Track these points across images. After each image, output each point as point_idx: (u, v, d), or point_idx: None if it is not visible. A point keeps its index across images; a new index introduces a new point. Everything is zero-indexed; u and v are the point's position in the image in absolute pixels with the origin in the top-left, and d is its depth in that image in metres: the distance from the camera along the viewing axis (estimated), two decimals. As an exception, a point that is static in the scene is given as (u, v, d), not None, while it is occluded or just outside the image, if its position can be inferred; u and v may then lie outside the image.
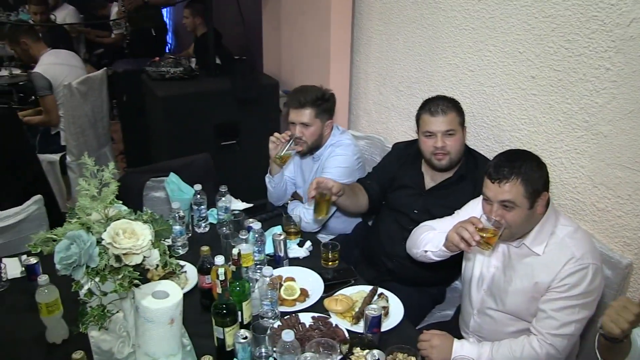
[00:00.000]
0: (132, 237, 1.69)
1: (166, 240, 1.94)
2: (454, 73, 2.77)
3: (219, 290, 1.84)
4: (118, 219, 1.74)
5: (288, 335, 1.73)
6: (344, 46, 3.39)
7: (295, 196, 3.00)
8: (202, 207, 2.67)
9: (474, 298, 2.17)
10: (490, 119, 2.62)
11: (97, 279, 1.63)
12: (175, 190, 2.63)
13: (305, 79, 3.12)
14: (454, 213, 2.30)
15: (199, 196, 2.64)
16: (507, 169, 1.86)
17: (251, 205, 2.86)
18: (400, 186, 2.61)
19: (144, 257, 1.73)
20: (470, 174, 2.46)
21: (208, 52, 3.98)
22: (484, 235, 1.88)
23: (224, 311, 1.83)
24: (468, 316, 2.22)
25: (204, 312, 2.12)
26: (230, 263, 2.07)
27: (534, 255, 1.96)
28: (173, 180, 2.68)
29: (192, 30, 5.14)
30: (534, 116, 2.40)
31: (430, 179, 2.55)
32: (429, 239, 2.20)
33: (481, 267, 2.14)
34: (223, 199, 2.67)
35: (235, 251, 2.03)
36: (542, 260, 1.94)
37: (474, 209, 2.18)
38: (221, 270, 1.82)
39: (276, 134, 2.79)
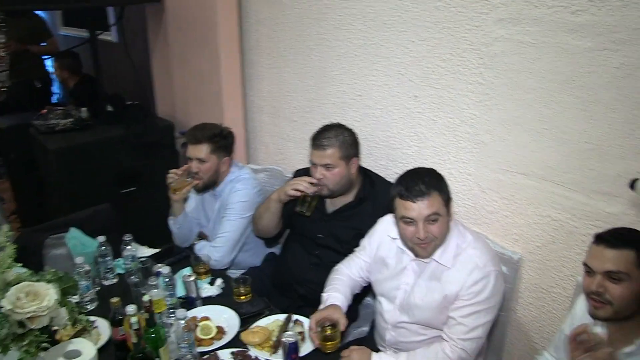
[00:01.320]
0: (36, 299, 1.65)
1: (73, 297, 1.89)
2: (343, 99, 2.90)
3: (134, 339, 1.80)
4: (18, 283, 1.69)
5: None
6: (236, 83, 3.45)
7: (201, 235, 2.99)
8: (108, 258, 2.59)
9: (388, 315, 2.26)
10: (381, 139, 2.76)
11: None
12: (78, 245, 2.55)
13: (201, 118, 3.13)
14: (359, 235, 2.43)
15: (103, 248, 2.58)
16: (423, 186, 1.99)
17: (158, 250, 2.82)
18: None
19: (51, 317, 1.69)
20: (369, 194, 2.57)
21: (86, 101, 3.93)
22: None
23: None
24: (383, 330, 2.30)
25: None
26: (142, 311, 2.03)
27: (443, 268, 2.09)
28: (74, 235, 2.60)
29: (63, 82, 5.03)
30: (421, 132, 2.56)
31: (331, 204, 2.63)
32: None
33: (390, 286, 2.24)
34: (128, 247, 2.61)
35: (146, 298, 2.00)
36: (451, 272, 2.07)
37: (382, 233, 2.31)
38: (134, 319, 1.80)
39: (173, 170, 2.79)
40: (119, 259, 2.68)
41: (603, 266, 1.64)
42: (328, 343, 2.08)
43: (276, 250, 3.08)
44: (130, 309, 1.96)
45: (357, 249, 2.43)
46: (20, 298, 1.61)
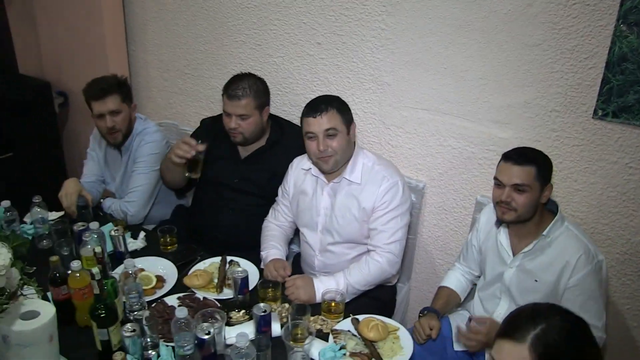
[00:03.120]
0: (-11, 258, 1.59)
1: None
2: (241, 49, 2.97)
3: (96, 291, 1.80)
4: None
5: (181, 312, 1.80)
6: (120, 37, 3.34)
7: (107, 193, 2.93)
8: (14, 224, 2.49)
9: (313, 241, 2.48)
10: (284, 86, 2.89)
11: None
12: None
13: (81, 76, 2.97)
14: (274, 177, 2.64)
15: (9, 213, 2.46)
16: (322, 104, 2.25)
17: (62, 213, 2.72)
18: (216, 158, 2.73)
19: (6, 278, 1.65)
20: (280, 138, 2.71)
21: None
22: None
23: (104, 311, 1.82)
24: (311, 258, 2.51)
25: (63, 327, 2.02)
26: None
27: (355, 185, 2.35)
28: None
29: None
30: (325, 77, 2.74)
31: (244, 149, 2.73)
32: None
33: (311, 214, 2.45)
34: (39, 209, 2.52)
35: (97, 249, 2.00)
36: (362, 187, 2.34)
37: (295, 171, 2.53)
38: (95, 269, 1.80)
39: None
40: (23, 224, 2.58)
41: (511, 180, 1.97)
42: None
43: (184, 202, 3.12)
44: (76, 264, 1.94)
45: (277, 198, 2.61)
46: (-26, 259, 1.55)
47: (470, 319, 2.15)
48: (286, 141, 2.69)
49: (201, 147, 2.47)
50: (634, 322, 2.29)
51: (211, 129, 2.80)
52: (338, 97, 2.38)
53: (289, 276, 2.30)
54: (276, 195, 2.64)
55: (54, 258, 2.02)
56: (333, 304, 2.14)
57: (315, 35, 2.68)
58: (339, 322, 2.08)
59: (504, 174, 1.99)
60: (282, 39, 2.80)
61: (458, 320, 2.30)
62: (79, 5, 3.35)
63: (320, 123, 2.25)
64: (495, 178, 2.03)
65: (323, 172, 2.39)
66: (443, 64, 2.37)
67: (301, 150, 2.46)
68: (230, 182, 2.71)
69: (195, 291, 2.21)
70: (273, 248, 2.46)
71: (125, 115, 2.71)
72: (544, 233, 2.01)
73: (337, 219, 2.38)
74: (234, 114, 2.55)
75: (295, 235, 2.69)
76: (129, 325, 1.83)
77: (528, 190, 1.96)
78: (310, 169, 2.45)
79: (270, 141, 2.70)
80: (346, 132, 2.29)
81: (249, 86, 2.55)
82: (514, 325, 1.32)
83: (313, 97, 2.73)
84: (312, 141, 2.29)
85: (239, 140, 2.62)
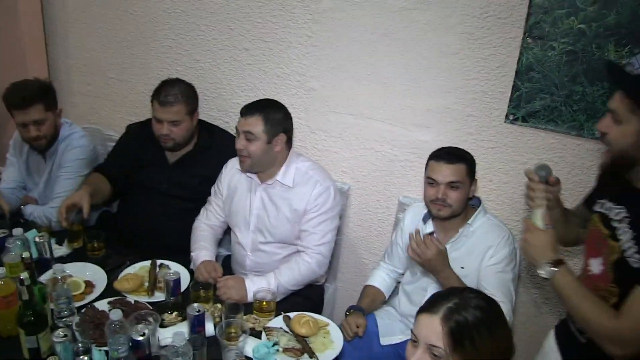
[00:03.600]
0: None
1: None
2: (168, 54, 2.98)
3: (25, 297, 1.77)
4: None
5: (116, 314, 1.80)
6: (39, 41, 3.24)
7: (28, 200, 2.85)
8: None
9: (245, 240, 2.52)
10: (211, 91, 2.92)
11: None
12: None
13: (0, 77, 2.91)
14: (205, 181, 2.66)
15: None
16: (253, 108, 2.33)
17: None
18: (143, 165, 2.73)
19: None
20: (210, 143, 2.73)
21: None
22: None
23: (33, 317, 1.79)
24: (243, 257, 2.55)
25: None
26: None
27: (287, 187, 2.42)
28: None
29: None
30: (252, 82, 2.79)
31: (172, 154, 2.73)
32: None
33: (244, 213, 2.50)
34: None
35: (25, 255, 1.96)
36: (294, 190, 2.41)
37: (230, 170, 2.57)
38: (25, 275, 1.76)
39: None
40: None
41: (445, 178, 2.11)
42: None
43: (109, 207, 3.07)
44: (0, 271, 1.90)
45: (209, 198, 2.64)
46: None
47: (432, 233, 2.22)
48: (217, 146, 2.72)
49: None
50: (539, 309, 2.49)
51: (138, 135, 2.78)
52: (277, 106, 2.39)
53: (220, 277, 2.33)
54: (206, 198, 2.67)
55: (-22, 266, 1.97)
56: (264, 303, 2.19)
57: (243, 42, 2.73)
58: (270, 320, 2.14)
59: (438, 173, 2.12)
60: (209, 45, 2.84)
61: (384, 316, 2.41)
62: (-5, 7, 3.24)
63: (243, 124, 2.33)
64: (429, 177, 2.16)
65: (242, 170, 2.47)
66: (367, 71, 2.49)
67: (233, 154, 2.50)
68: (159, 187, 2.71)
69: (127, 295, 2.20)
70: (203, 249, 2.48)
71: (50, 123, 2.64)
72: (469, 222, 2.17)
73: (270, 219, 2.44)
74: (166, 120, 2.55)
75: (225, 236, 2.72)
76: (60, 331, 1.80)
77: (461, 187, 2.11)
78: None
79: (199, 146, 2.72)
80: (266, 141, 2.33)
81: (180, 92, 2.56)
82: (431, 300, 1.43)
83: (240, 102, 2.79)
84: (238, 138, 2.36)
85: (170, 145, 2.63)
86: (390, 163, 2.58)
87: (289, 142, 2.42)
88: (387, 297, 2.49)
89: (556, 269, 1.59)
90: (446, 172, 2.10)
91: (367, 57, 2.46)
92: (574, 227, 1.92)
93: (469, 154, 2.18)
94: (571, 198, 2.23)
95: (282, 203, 2.42)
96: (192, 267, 2.46)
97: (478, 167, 2.29)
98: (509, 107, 2.26)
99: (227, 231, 2.69)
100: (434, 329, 1.36)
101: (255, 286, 2.27)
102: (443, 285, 2.09)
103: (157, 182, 2.71)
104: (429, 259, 2.04)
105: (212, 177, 2.64)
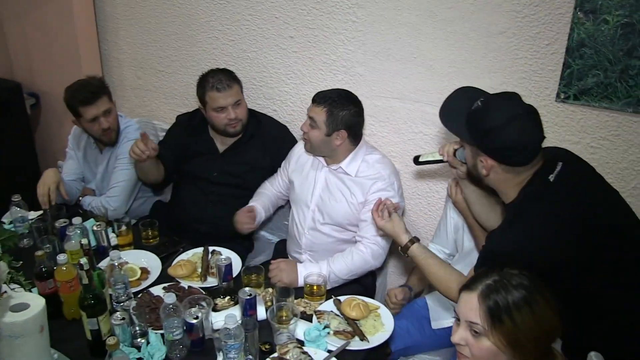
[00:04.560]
0: (-22, 253, 1.62)
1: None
2: (215, 45, 3.02)
3: (85, 281, 1.84)
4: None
5: (170, 298, 1.85)
6: (92, 38, 3.35)
7: (86, 191, 2.95)
8: (-5, 221, 2.51)
9: (304, 217, 2.56)
10: (258, 80, 2.95)
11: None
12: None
13: (54, 76, 3.02)
14: (251, 169, 2.73)
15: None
16: (324, 98, 2.37)
17: (41, 212, 2.73)
18: (194, 154, 2.79)
19: (-5, 272, 1.67)
20: (257, 131, 2.77)
21: None
22: None
23: (93, 300, 1.85)
24: (299, 236, 2.60)
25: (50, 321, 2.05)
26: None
27: (349, 176, 2.44)
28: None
29: None
30: (298, 70, 2.80)
31: (221, 143, 2.79)
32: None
33: (307, 191, 2.55)
34: (18, 209, 2.54)
35: (84, 241, 2.03)
36: (356, 180, 2.44)
37: (300, 150, 2.63)
38: (84, 260, 1.83)
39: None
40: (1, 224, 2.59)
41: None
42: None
43: (162, 198, 3.15)
44: (62, 257, 1.98)
45: (279, 168, 2.73)
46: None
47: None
48: (263, 133, 2.76)
49: (154, 146, 2.49)
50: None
51: (187, 125, 2.85)
52: (344, 104, 2.38)
53: (273, 259, 2.37)
54: (255, 186, 2.74)
55: (40, 253, 2.05)
56: (315, 287, 2.21)
57: (288, 29, 2.75)
58: (321, 304, 2.15)
59: None
60: (255, 34, 2.86)
61: (435, 300, 2.40)
62: (48, 5, 3.36)
63: (311, 109, 2.40)
64: None
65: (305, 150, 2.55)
66: (413, 54, 2.46)
67: (279, 141, 2.54)
68: (209, 176, 2.77)
69: (180, 281, 2.26)
70: (258, 202, 2.64)
71: (114, 115, 2.77)
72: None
73: (330, 201, 2.48)
74: (229, 104, 2.61)
75: (279, 221, 2.76)
76: (118, 314, 1.88)
77: None
78: None
79: (249, 134, 2.76)
80: (326, 133, 2.37)
81: (225, 75, 2.64)
82: (472, 278, 1.44)
83: (287, 89, 2.84)
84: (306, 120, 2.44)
85: (239, 129, 2.69)
86: (439, 146, 2.54)
87: (354, 137, 2.44)
88: None
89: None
90: None
91: (412, 39, 2.44)
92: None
93: None
94: (628, 177, 2.16)
95: (343, 189, 2.46)
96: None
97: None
98: (559, 85, 2.20)
99: (281, 216, 2.72)
100: (472, 305, 1.37)
101: (307, 271, 2.29)
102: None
103: (209, 171, 2.77)
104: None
105: (257, 165, 2.71)
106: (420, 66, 2.46)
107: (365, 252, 2.38)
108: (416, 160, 2.15)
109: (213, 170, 2.76)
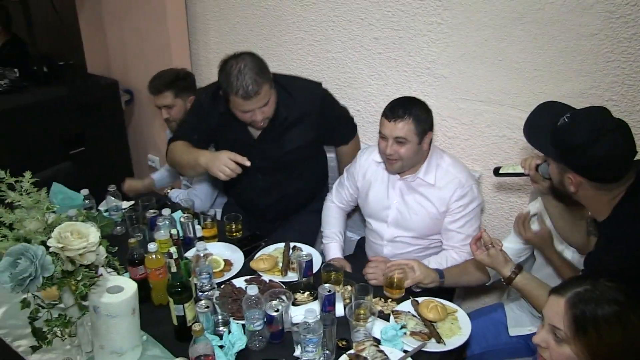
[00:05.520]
0: (82, 237, 1.73)
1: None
2: (300, 46, 3.09)
3: (173, 269, 1.94)
4: (58, 225, 1.76)
5: (252, 290, 1.93)
6: (183, 37, 3.52)
7: (177, 185, 3.10)
8: (93, 210, 2.67)
9: (382, 232, 2.55)
10: (342, 81, 3.00)
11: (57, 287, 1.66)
12: (66, 199, 2.59)
13: (147, 74, 3.15)
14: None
15: (87, 201, 2.64)
16: (401, 110, 2.25)
17: (133, 202, 2.89)
18: (227, 142, 2.63)
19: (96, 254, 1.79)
20: (291, 111, 2.56)
21: (19, 60, 3.81)
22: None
23: (180, 288, 1.96)
24: (379, 247, 2.60)
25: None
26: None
27: (428, 185, 2.40)
28: (59, 189, 2.62)
29: None
30: (382, 71, 2.83)
31: (254, 129, 2.61)
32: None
33: (382, 206, 2.52)
34: (113, 198, 2.70)
35: (174, 232, 2.14)
36: (436, 189, 2.39)
37: (365, 162, 2.57)
38: (173, 249, 1.94)
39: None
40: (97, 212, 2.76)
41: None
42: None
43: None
44: (153, 246, 2.10)
45: (341, 178, 2.70)
46: (67, 237, 1.68)
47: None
48: (299, 109, 2.58)
49: (247, 163, 2.37)
50: None
51: (212, 109, 2.63)
52: (421, 104, 2.32)
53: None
54: (295, 162, 2.68)
55: (133, 240, 2.18)
56: (395, 279, 2.21)
57: (373, 31, 2.77)
58: (399, 298, 2.17)
59: None
60: (340, 35, 2.91)
61: (514, 307, 2.36)
62: (144, 7, 3.55)
63: (393, 129, 2.26)
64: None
65: (389, 172, 2.46)
66: (498, 56, 2.43)
67: (317, 108, 2.56)
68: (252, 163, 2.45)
69: (262, 274, 2.34)
70: (333, 240, 2.61)
71: (179, 109, 2.95)
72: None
73: (409, 214, 2.45)
74: (256, 107, 2.40)
75: (357, 219, 2.77)
76: (202, 302, 1.97)
77: None
78: (382, 162, 2.48)
79: (282, 117, 2.57)
80: (417, 142, 2.29)
81: (255, 73, 2.35)
82: (564, 283, 1.42)
83: (371, 90, 2.86)
84: (383, 141, 2.32)
85: (265, 125, 2.53)
86: (523, 151, 2.51)
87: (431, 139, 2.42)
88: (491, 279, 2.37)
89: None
90: None
91: (498, 42, 2.41)
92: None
93: None
94: None
95: (422, 200, 2.42)
96: (322, 249, 2.54)
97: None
98: (655, 90, 2.12)
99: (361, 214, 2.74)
100: (558, 310, 1.36)
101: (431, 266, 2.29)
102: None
103: (249, 159, 2.47)
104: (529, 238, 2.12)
105: (304, 140, 2.62)
106: (505, 69, 2.43)
107: (459, 259, 2.38)
108: (496, 171, 2.11)
109: (252, 157, 2.42)
